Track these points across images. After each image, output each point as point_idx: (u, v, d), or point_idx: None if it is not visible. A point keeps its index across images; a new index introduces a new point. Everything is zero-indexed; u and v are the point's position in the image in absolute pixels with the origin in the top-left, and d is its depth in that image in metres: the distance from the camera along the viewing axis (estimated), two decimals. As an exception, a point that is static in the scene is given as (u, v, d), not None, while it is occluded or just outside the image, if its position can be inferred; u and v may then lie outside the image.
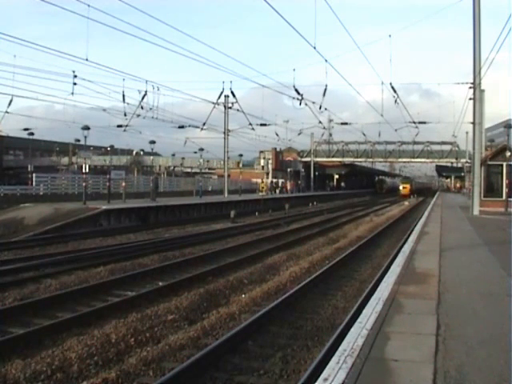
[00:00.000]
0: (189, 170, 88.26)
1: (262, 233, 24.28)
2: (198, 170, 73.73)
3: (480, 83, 26.13)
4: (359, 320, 6.25)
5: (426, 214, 27.81)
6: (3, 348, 7.44)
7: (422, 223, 21.38)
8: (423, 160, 72.03)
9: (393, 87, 28.11)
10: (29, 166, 63.05)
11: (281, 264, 15.18)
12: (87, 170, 37.69)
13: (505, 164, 28.86)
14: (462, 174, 69.50)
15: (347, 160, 77.87)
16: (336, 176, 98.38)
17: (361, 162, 78.35)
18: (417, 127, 40.03)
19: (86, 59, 15.43)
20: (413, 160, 73.20)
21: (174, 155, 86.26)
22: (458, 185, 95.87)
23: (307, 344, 7.95)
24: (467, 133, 46.76)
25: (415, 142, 64.21)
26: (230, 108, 31.66)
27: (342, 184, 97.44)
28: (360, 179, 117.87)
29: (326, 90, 26.13)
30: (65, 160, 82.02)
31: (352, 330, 5.86)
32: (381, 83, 29.88)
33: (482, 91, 27.79)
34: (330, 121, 50.40)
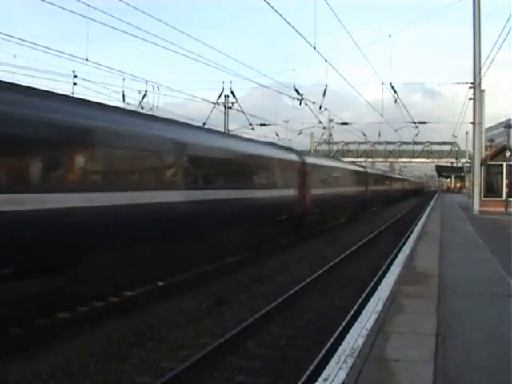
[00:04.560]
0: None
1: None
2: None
3: (480, 83, 26.10)
4: (359, 320, 6.25)
5: (426, 214, 27.81)
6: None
7: (422, 223, 21.37)
8: (423, 160, 71.96)
9: (393, 87, 28.01)
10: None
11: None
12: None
13: (505, 164, 28.80)
14: (462, 174, 69.43)
15: (347, 160, 77.70)
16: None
17: (361, 162, 78.23)
18: (417, 127, 39.97)
19: (86, 59, 15.40)
20: (413, 160, 73.10)
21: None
22: (457, 185, 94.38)
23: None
24: (467, 133, 46.70)
25: (415, 142, 64.11)
26: (230, 108, 31.54)
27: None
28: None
29: (325, 89, 26.04)
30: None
31: (352, 330, 5.86)
32: (381, 83, 29.80)
33: (482, 91, 27.76)
34: (330, 121, 50.28)
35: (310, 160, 23.50)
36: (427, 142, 67.07)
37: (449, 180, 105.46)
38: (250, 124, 32.98)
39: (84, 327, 8.58)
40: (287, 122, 44.99)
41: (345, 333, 6.12)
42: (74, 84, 21.09)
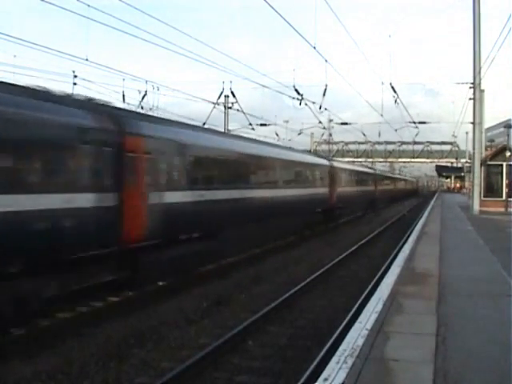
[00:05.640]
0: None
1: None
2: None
3: (480, 83, 26.09)
4: (359, 320, 6.25)
5: (426, 214, 27.82)
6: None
7: (422, 223, 21.36)
8: (423, 160, 71.96)
9: (392, 87, 28.00)
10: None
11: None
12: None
13: (505, 164, 28.77)
14: (462, 174, 69.41)
15: (347, 160, 77.62)
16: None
17: (361, 162, 78.19)
18: (417, 127, 40.00)
19: (86, 59, 15.38)
20: (413, 160, 73.11)
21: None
22: (457, 185, 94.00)
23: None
24: (467, 133, 46.65)
25: (415, 142, 64.15)
26: (230, 108, 31.52)
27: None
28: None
29: (325, 89, 26.00)
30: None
31: (352, 330, 5.86)
32: (381, 83, 29.79)
33: (482, 91, 27.74)
34: (330, 121, 50.26)
35: None
36: (427, 141, 67.07)
37: (449, 180, 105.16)
38: (250, 124, 32.99)
39: (84, 327, 8.59)
40: (287, 122, 45.05)
41: (345, 333, 6.12)
42: (74, 84, 21.05)
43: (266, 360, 7.28)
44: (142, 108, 25.05)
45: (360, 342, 5.30)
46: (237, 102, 30.82)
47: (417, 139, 56.17)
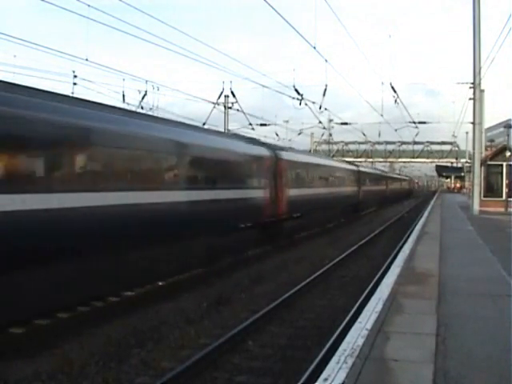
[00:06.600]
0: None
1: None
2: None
3: (480, 83, 26.10)
4: (359, 320, 6.25)
5: (426, 213, 27.83)
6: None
7: (422, 223, 21.36)
8: (423, 160, 71.94)
9: (392, 87, 28.07)
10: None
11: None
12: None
13: (505, 164, 28.76)
14: (462, 174, 69.37)
15: (347, 160, 77.45)
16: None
17: (361, 162, 78.10)
18: (417, 127, 40.05)
19: (86, 59, 15.41)
20: (413, 160, 73.08)
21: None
22: (457, 185, 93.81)
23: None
24: (467, 133, 46.66)
25: (415, 142, 64.15)
26: (230, 108, 31.52)
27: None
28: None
29: (325, 89, 26.02)
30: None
31: (352, 330, 5.86)
32: (381, 83, 29.83)
33: (482, 91, 27.75)
34: (330, 121, 50.25)
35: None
36: (427, 141, 67.08)
37: (449, 180, 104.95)
38: (250, 124, 33.01)
39: (84, 327, 8.59)
40: (287, 122, 45.11)
41: (345, 333, 6.13)
42: (74, 84, 21.08)
43: (266, 360, 7.28)
44: (142, 108, 25.06)
45: (360, 341, 5.30)
46: (237, 101, 30.86)
47: (417, 139, 56.26)
